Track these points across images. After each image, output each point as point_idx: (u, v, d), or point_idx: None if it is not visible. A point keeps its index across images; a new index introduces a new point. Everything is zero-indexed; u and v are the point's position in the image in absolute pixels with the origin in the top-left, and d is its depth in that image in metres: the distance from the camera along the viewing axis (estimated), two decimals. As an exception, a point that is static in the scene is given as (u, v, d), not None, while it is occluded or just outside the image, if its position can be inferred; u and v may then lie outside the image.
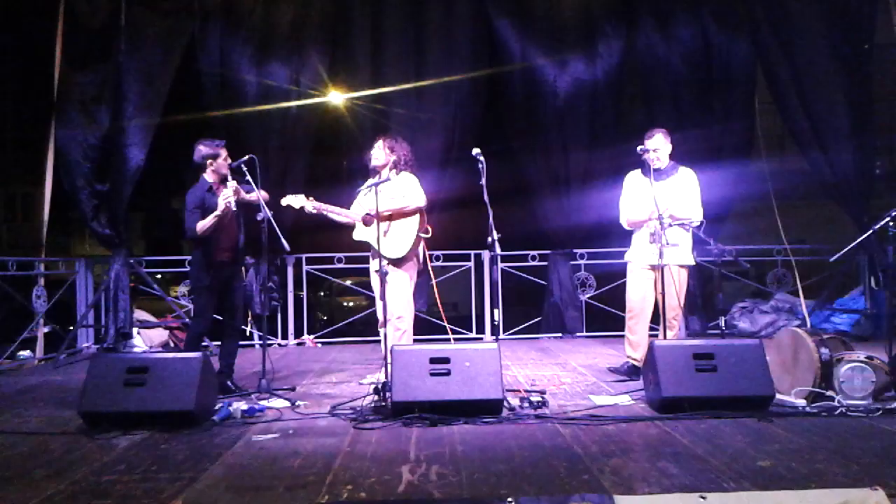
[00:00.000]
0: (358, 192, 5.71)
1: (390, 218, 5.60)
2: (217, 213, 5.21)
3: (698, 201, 5.64)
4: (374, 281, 5.71)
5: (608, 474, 3.33)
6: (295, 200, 5.67)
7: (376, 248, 5.33)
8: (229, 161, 5.46)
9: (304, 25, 8.49)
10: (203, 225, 5.24)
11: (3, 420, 4.78)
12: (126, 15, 8.02)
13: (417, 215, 5.67)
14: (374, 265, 5.74)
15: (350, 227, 5.80)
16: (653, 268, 5.56)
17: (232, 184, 5.34)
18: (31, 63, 7.96)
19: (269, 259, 8.27)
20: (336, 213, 5.75)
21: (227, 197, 5.23)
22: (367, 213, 5.61)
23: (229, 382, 5.49)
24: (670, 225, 5.44)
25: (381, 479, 3.32)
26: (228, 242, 5.46)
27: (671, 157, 5.74)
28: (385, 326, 5.42)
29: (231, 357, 5.60)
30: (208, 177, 5.44)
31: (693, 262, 5.74)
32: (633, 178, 5.81)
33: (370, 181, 5.61)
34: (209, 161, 5.41)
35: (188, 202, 5.36)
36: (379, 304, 5.40)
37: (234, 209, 5.29)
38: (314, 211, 5.67)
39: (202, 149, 5.45)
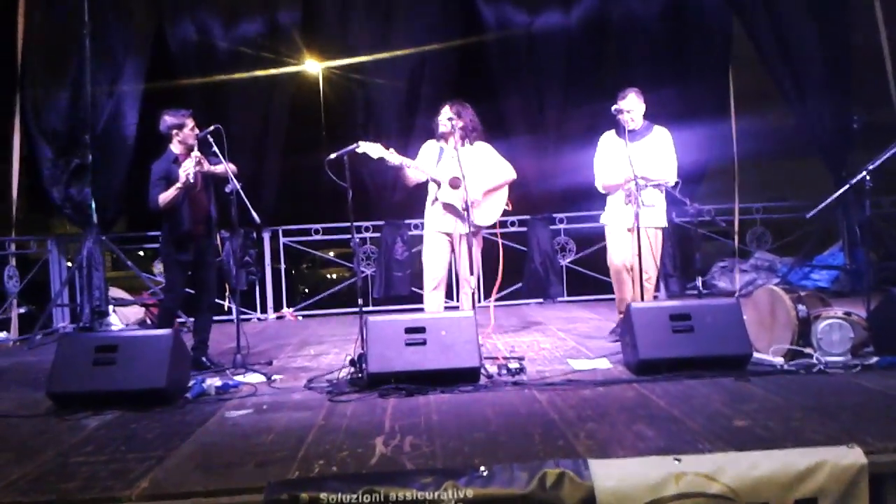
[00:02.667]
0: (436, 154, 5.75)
1: (490, 191, 5.70)
2: (178, 185, 5.10)
3: (674, 161, 5.57)
4: (436, 242, 5.77)
5: (583, 439, 3.29)
6: (372, 149, 5.37)
7: (462, 212, 5.32)
8: (196, 131, 5.33)
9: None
10: (165, 197, 5.13)
11: (-28, 404, 4.69)
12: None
13: (506, 187, 5.74)
14: (441, 226, 5.74)
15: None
16: (630, 230, 5.50)
17: (195, 154, 5.22)
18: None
19: (245, 232, 8.17)
20: (419, 171, 5.66)
21: (187, 168, 5.11)
22: (455, 177, 5.50)
23: (204, 358, 5.42)
24: (646, 186, 5.39)
25: (354, 452, 3.27)
26: (198, 215, 5.35)
27: (645, 116, 5.66)
28: (431, 292, 5.71)
29: (205, 332, 5.53)
30: (174, 147, 5.32)
31: (666, 224, 5.68)
32: (608, 139, 5.73)
33: (441, 145, 5.75)
34: (174, 131, 5.29)
35: (153, 173, 5.23)
36: (437, 267, 5.72)
37: (192, 181, 5.15)
38: (394, 163, 5.50)
39: (167, 118, 5.32)
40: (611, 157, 5.63)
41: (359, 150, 5.29)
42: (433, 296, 5.75)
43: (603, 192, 5.75)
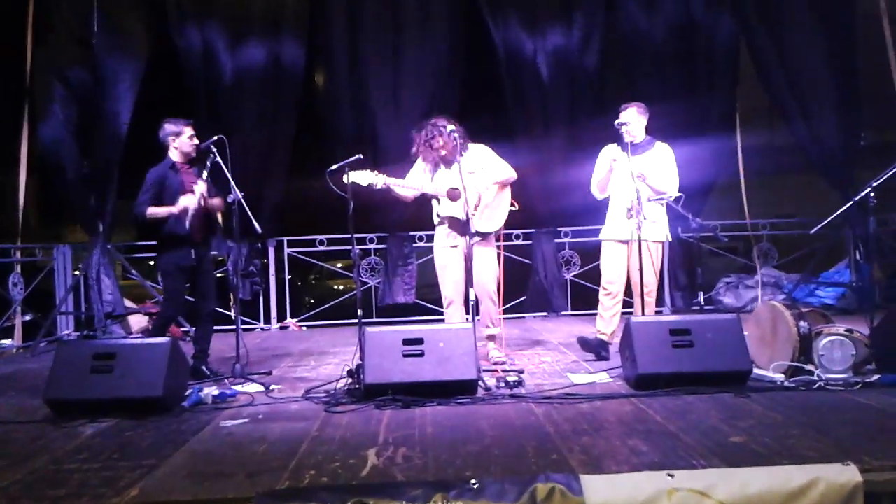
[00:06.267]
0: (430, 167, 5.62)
1: (485, 193, 5.54)
2: (173, 209, 5.16)
3: (675, 176, 5.54)
4: (447, 257, 5.58)
5: (577, 453, 3.26)
6: (362, 176, 5.27)
7: (465, 223, 5.22)
8: (195, 141, 5.37)
9: (279, 5, 8.39)
10: (154, 212, 5.17)
11: (-30, 410, 4.70)
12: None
13: (508, 188, 5.63)
14: (450, 241, 5.57)
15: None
16: (624, 243, 5.48)
17: (201, 185, 5.25)
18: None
19: (250, 243, 8.19)
20: (410, 189, 5.54)
21: (188, 203, 5.16)
22: (452, 188, 5.40)
23: (204, 367, 5.42)
24: (650, 199, 5.37)
25: (346, 463, 3.25)
26: (198, 221, 5.34)
27: (652, 131, 5.66)
28: (450, 307, 5.52)
29: (205, 342, 5.52)
30: (172, 155, 5.37)
31: (667, 238, 5.65)
32: (608, 151, 5.72)
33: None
34: (171, 138, 5.35)
35: (147, 179, 5.25)
36: (451, 282, 5.50)
37: (188, 214, 5.16)
38: (383, 186, 5.38)
39: (166, 126, 5.39)
40: (609, 168, 5.61)
41: (347, 181, 5.15)
42: (450, 312, 5.59)
43: (598, 195, 5.71)
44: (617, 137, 5.59)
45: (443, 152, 5.52)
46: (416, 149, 5.64)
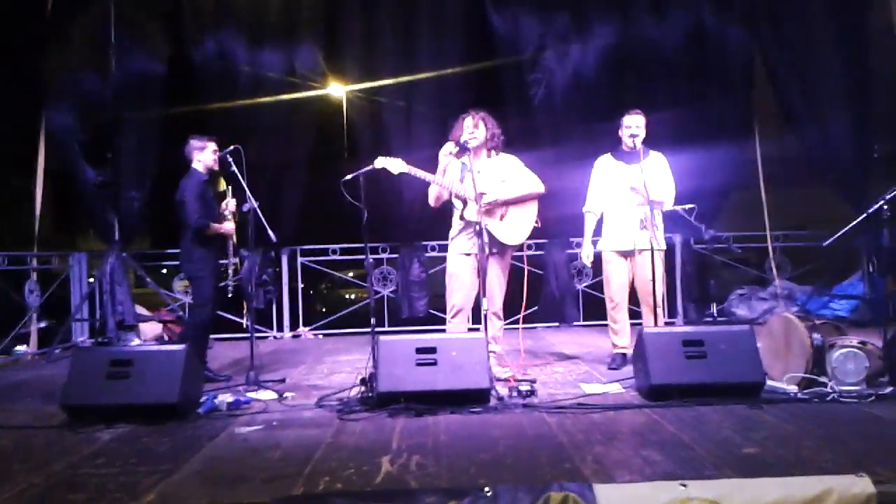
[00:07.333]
0: (458, 171, 5.42)
1: (508, 203, 5.36)
2: (224, 229, 5.65)
3: (672, 185, 5.59)
4: (459, 265, 5.42)
5: (590, 462, 3.28)
6: (393, 164, 5.17)
7: (481, 230, 5.10)
8: (216, 156, 5.62)
9: (295, 15, 8.46)
10: (216, 228, 5.58)
11: (-12, 415, 4.75)
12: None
13: (535, 203, 5.48)
14: (465, 248, 5.39)
15: None
16: (623, 254, 5.53)
17: (232, 204, 5.70)
18: (19, 57, 7.93)
19: (263, 251, 8.23)
20: (442, 187, 5.34)
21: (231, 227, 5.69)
22: (480, 193, 5.16)
23: (207, 373, 5.56)
24: (666, 210, 5.41)
25: (360, 469, 3.27)
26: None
27: (656, 139, 5.70)
28: (455, 317, 5.39)
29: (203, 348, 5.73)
30: (198, 167, 5.62)
31: (665, 247, 5.67)
32: (604, 162, 5.75)
33: (463, 160, 5.34)
34: (196, 152, 5.62)
35: (191, 191, 5.47)
36: (459, 291, 5.38)
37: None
38: (418, 176, 5.21)
39: (192, 142, 5.67)
40: (608, 181, 5.65)
41: (377, 166, 5.16)
42: (455, 322, 5.42)
43: (595, 211, 5.75)
44: (610, 148, 5.66)
45: (478, 139, 5.36)
46: (457, 132, 5.44)
